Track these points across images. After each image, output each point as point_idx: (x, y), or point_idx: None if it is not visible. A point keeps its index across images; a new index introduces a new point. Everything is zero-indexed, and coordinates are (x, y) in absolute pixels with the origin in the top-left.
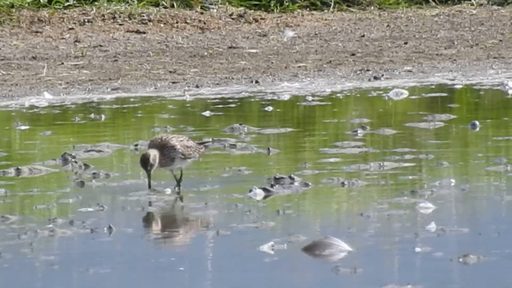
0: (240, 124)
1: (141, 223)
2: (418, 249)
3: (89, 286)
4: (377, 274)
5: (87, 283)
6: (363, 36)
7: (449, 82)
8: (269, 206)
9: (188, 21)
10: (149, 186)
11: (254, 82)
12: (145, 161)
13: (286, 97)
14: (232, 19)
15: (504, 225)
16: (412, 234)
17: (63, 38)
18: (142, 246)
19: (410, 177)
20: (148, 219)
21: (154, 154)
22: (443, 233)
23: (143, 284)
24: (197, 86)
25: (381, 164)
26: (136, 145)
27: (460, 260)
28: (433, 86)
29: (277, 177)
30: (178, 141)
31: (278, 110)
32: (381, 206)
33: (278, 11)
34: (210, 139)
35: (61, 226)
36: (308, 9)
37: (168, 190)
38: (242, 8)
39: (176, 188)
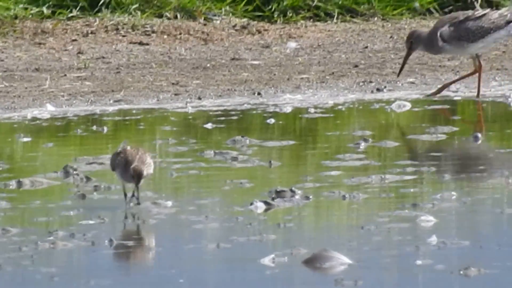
0: (242, 137)
1: (142, 236)
2: (419, 262)
3: None
4: (377, 287)
5: None
6: (366, 47)
7: (452, 94)
8: (270, 219)
9: (191, 32)
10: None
11: (256, 94)
12: (140, 177)
13: (288, 109)
14: (235, 30)
15: (505, 238)
16: (413, 247)
17: (66, 50)
18: (143, 259)
19: (412, 190)
20: (149, 232)
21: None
22: (444, 246)
23: None
24: (199, 98)
25: (383, 177)
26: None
27: (461, 273)
28: (436, 98)
29: (278, 190)
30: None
31: (280, 122)
32: (382, 219)
33: (281, 22)
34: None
35: (62, 238)
36: (311, 20)
37: (169, 203)
38: (245, 19)
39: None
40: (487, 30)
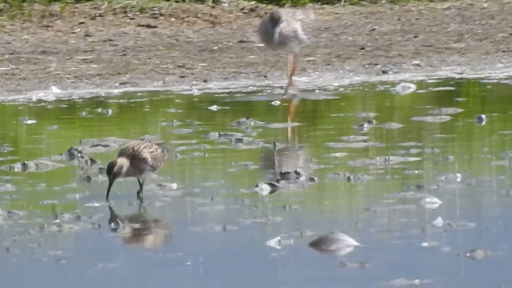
0: (247, 119)
1: (147, 219)
2: (425, 244)
3: (97, 281)
4: (384, 269)
5: (95, 278)
6: (374, 29)
7: (457, 76)
8: (275, 201)
9: (199, 15)
10: (107, 196)
11: (262, 77)
12: (109, 169)
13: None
14: (244, 13)
15: (511, 219)
16: (419, 229)
17: (73, 33)
18: (149, 241)
19: (416, 172)
20: (154, 214)
21: (121, 163)
22: (449, 228)
23: (151, 279)
24: (205, 81)
25: (387, 158)
26: (143, 139)
27: (468, 255)
28: (441, 80)
29: (283, 172)
30: (149, 152)
31: (285, 104)
32: (387, 201)
33: (289, 5)
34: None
35: (68, 221)
36: (319, 2)
37: (174, 186)
38: (253, 2)
39: (140, 194)
40: None
